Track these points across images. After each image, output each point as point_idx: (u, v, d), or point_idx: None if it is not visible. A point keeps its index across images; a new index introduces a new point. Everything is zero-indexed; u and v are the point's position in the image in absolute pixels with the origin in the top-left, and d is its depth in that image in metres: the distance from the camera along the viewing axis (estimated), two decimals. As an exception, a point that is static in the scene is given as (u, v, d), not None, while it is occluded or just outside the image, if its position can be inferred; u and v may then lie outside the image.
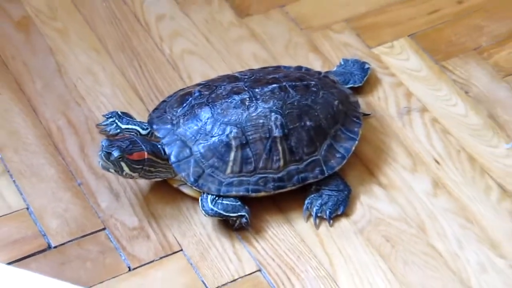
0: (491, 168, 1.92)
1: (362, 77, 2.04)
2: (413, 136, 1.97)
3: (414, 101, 2.03)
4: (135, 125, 1.84)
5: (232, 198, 1.78)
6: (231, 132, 1.79)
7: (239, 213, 1.77)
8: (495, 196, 1.88)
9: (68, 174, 1.88)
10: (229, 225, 1.80)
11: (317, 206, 1.82)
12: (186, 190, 1.82)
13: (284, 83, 1.86)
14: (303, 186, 1.84)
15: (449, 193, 1.88)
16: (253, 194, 1.80)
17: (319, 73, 1.97)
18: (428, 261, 1.77)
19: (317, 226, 1.82)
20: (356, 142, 1.89)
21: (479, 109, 2.02)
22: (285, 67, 1.98)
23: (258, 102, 1.81)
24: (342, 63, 2.07)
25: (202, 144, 1.79)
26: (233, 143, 1.78)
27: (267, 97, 1.82)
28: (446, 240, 1.80)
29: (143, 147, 1.73)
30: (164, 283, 1.73)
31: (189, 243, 1.79)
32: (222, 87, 1.86)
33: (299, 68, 1.97)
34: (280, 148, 1.80)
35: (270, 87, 1.84)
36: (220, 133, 1.79)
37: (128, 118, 1.88)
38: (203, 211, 1.77)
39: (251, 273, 1.75)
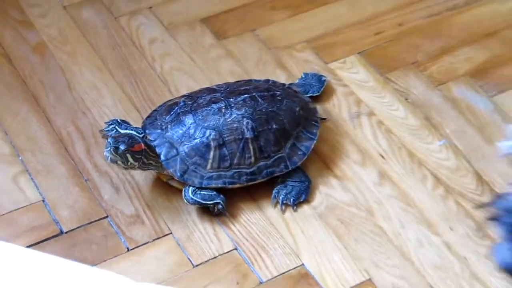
0: (426, 161, 1.93)
1: (319, 88, 2.04)
2: (362, 136, 1.97)
3: (363, 107, 2.04)
4: (131, 130, 1.84)
5: (209, 189, 1.78)
6: (210, 135, 1.79)
7: (214, 201, 1.77)
8: (430, 184, 1.88)
9: (76, 172, 1.88)
10: (210, 212, 1.80)
11: (283, 195, 1.83)
12: (173, 183, 1.82)
13: (254, 94, 1.86)
14: (271, 178, 1.85)
15: (393, 182, 1.88)
16: (229, 186, 1.80)
17: (284, 85, 1.97)
18: (375, 239, 1.77)
19: (283, 212, 1.82)
20: (315, 141, 1.89)
21: (416, 113, 2.02)
22: (255, 80, 1.98)
23: (233, 109, 1.82)
24: (303, 76, 2.07)
25: (187, 145, 1.79)
26: (212, 144, 1.79)
27: (240, 105, 1.83)
28: (390, 221, 1.80)
29: (139, 140, 1.74)
30: (157, 260, 1.73)
31: (177, 227, 1.79)
32: (203, 97, 1.86)
33: (267, 81, 1.97)
34: (251, 147, 1.80)
35: (242, 97, 1.84)
36: (201, 136, 1.79)
37: (126, 125, 1.89)
38: (185, 200, 1.78)
39: (228, 251, 1.75)
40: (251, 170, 1.81)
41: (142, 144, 1.75)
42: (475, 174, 1.91)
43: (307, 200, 1.85)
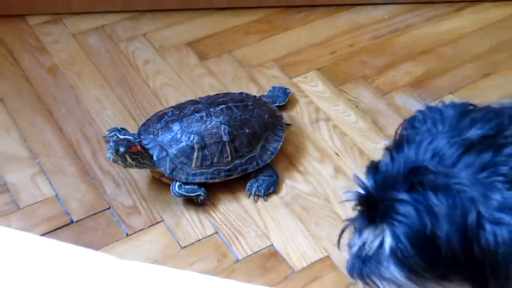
0: (374, 157, 1.90)
1: (285, 98, 2.05)
2: (320, 137, 1.98)
3: (321, 113, 2.05)
4: (129, 135, 1.85)
5: (192, 184, 1.79)
6: (194, 139, 1.80)
7: (196, 193, 1.79)
8: (377, 176, 1.89)
9: (84, 171, 1.89)
10: (194, 203, 1.81)
11: (255, 188, 1.84)
12: (164, 179, 1.83)
13: (230, 104, 1.87)
14: (245, 174, 1.85)
15: (346, 175, 1.89)
16: (211, 181, 1.81)
17: (255, 96, 1.98)
18: (332, 222, 1.79)
19: (255, 201, 1.84)
20: (281, 143, 1.90)
21: (365, 118, 2.03)
22: (231, 93, 1.98)
23: (212, 117, 1.83)
24: (271, 89, 2.08)
25: (175, 148, 1.80)
26: (196, 146, 1.80)
27: (218, 114, 1.84)
28: (344, 207, 1.81)
29: (136, 144, 1.74)
30: (151, 243, 1.75)
31: (168, 216, 1.80)
32: (188, 108, 1.87)
33: (241, 93, 1.98)
34: (228, 148, 1.81)
35: (220, 107, 1.85)
36: (186, 139, 1.80)
37: (124, 131, 1.90)
38: (172, 193, 1.79)
39: (210, 235, 1.76)
40: (228, 167, 1.82)
41: (138, 147, 1.76)
42: (414, 167, 1.91)
43: (275, 192, 1.86)
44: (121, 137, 1.83)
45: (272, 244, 1.75)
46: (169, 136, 1.81)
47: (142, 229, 1.77)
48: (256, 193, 1.84)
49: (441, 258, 1.07)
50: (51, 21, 2.30)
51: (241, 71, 2.17)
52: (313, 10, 2.39)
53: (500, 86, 2.13)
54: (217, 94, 1.98)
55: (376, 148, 1.96)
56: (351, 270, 1.23)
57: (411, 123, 1.22)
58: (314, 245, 1.74)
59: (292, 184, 1.88)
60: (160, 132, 1.83)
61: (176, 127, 1.82)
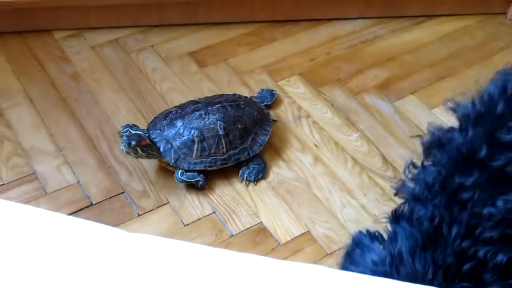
0: (347, 148, 1.94)
1: (271, 99, 2.06)
2: (302, 132, 1.99)
3: (302, 111, 2.05)
4: (140, 131, 1.84)
5: (192, 171, 1.79)
6: (194, 133, 1.80)
7: (196, 179, 1.79)
8: (350, 164, 1.90)
9: (102, 162, 1.89)
10: (195, 187, 1.81)
11: (247, 174, 1.85)
12: (170, 168, 1.83)
13: (224, 103, 1.87)
14: (238, 162, 1.86)
15: (323, 163, 1.90)
16: (209, 169, 1.82)
17: (246, 97, 1.98)
18: (311, 203, 1.79)
19: (247, 186, 1.84)
20: (268, 136, 1.91)
21: (340, 115, 2.04)
22: (226, 94, 1.99)
23: (210, 115, 1.83)
24: (260, 91, 2.08)
25: (178, 141, 1.81)
26: (196, 139, 1.80)
27: (214, 112, 1.84)
28: (322, 191, 1.82)
29: (145, 138, 1.75)
30: (159, 222, 1.75)
31: (173, 198, 1.80)
32: (189, 107, 1.87)
33: (234, 95, 1.98)
34: (223, 141, 1.82)
35: (216, 106, 1.86)
36: (188, 134, 1.81)
37: (136, 127, 1.89)
38: (176, 179, 1.80)
39: (209, 214, 1.77)
40: (223, 157, 1.83)
41: (148, 140, 1.76)
42: (381, 156, 1.93)
43: (263, 177, 1.87)
44: (133, 132, 1.83)
45: (261, 222, 1.75)
46: (173, 131, 1.82)
47: (151, 210, 1.78)
48: (248, 179, 1.84)
49: None
50: (73, 35, 2.30)
51: (235, 76, 2.17)
52: (296, 24, 2.39)
53: (454, 87, 2.15)
54: (213, 95, 1.98)
55: (349, 140, 1.97)
56: None
57: None
58: (297, 222, 1.75)
59: (278, 171, 1.88)
60: (165, 127, 1.83)
61: (179, 123, 1.82)
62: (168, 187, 1.82)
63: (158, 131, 1.83)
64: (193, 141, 1.80)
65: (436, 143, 1.26)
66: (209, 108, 1.85)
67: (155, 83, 2.15)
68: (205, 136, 1.81)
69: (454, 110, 1.28)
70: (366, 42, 2.34)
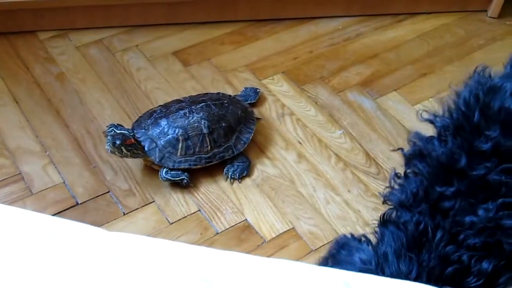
0: (330, 145, 1.94)
1: (255, 97, 2.05)
2: (285, 129, 1.98)
3: (286, 109, 2.05)
4: (125, 130, 1.84)
5: (176, 170, 1.79)
6: (178, 132, 1.80)
7: (180, 178, 1.78)
8: (333, 160, 1.90)
9: (87, 161, 1.88)
10: (180, 185, 1.80)
11: (231, 172, 1.84)
12: (155, 166, 1.82)
13: (208, 102, 1.87)
14: (223, 160, 1.85)
15: (307, 160, 1.90)
16: (194, 167, 1.81)
17: (230, 96, 1.98)
18: (296, 200, 1.79)
19: (231, 183, 1.84)
20: (252, 134, 1.90)
21: (323, 112, 2.04)
22: (210, 93, 1.98)
23: (194, 114, 1.82)
24: (244, 89, 2.08)
25: (163, 140, 1.80)
26: (180, 138, 1.79)
27: (199, 111, 1.83)
28: (306, 187, 1.82)
29: (130, 137, 1.74)
30: (144, 220, 1.74)
31: (158, 197, 1.79)
32: (173, 106, 1.87)
33: (218, 93, 1.97)
34: (207, 139, 1.81)
35: (200, 105, 1.85)
36: (172, 133, 1.80)
37: (121, 127, 1.89)
38: (160, 178, 1.78)
39: (194, 212, 1.76)
40: (208, 155, 1.82)
41: (132, 140, 1.75)
42: (364, 153, 1.93)
43: (248, 175, 1.86)
44: (118, 132, 1.82)
45: (246, 219, 1.75)
46: (158, 130, 1.81)
47: (137, 209, 1.77)
48: (232, 177, 1.83)
49: None
50: (58, 36, 2.28)
51: (218, 75, 2.16)
52: (278, 23, 2.38)
53: (434, 83, 2.15)
54: (198, 94, 1.97)
55: (332, 137, 1.97)
56: None
57: None
58: (281, 219, 1.74)
59: (262, 168, 1.87)
60: (150, 127, 1.82)
61: (163, 122, 1.81)
62: (153, 186, 1.81)
63: (143, 130, 1.82)
64: (177, 139, 1.79)
65: (417, 153, 1.26)
66: (193, 107, 1.84)
67: (140, 82, 2.14)
68: (190, 134, 1.80)
69: (432, 122, 1.29)
70: (348, 40, 2.34)
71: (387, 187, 1.33)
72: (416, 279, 1.10)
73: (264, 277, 0.87)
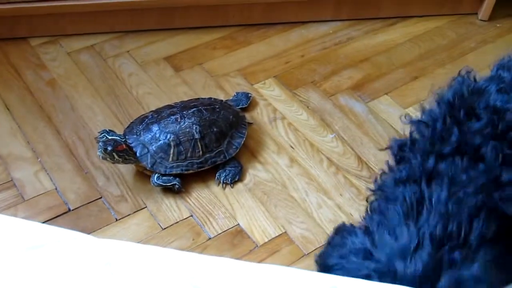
0: (322, 149, 1.94)
1: (247, 102, 2.04)
2: (277, 133, 1.98)
3: (278, 113, 2.04)
4: (116, 136, 1.83)
5: (168, 175, 1.78)
6: (170, 137, 1.79)
7: (172, 183, 1.78)
8: (325, 164, 1.90)
9: (79, 167, 1.87)
10: (172, 191, 1.79)
11: (223, 177, 1.83)
12: (147, 172, 1.82)
13: (200, 107, 1.86)
14: (215, 165, 1.85)
15: (299, 164, 1.89)
16: (185, 172, 1.81)
17: (221, 100, 1.98)
18: (288, 204, 1.79)
19: (223, 188, 1.83)
20: (244, 138, 1.90)
21: (315, 116, 2.04)
22: (201, 98, 1.98)
23: (185, 119, 1.82)
24: (235, 94, 2.07)
25: (154, 145, 1.79)
26: (172, 143, 1.79)
27: (190, 116, 1.83)
28: (298, 191, 1.82)
29: (122, 143, 1.73)
30: (137, 226, 1.73)
31: (150, 202, 1.79)
32: (165, 111, 1.86)
33: (209, 98, 1.97)
34: (199, 145, 1.81)
35: (192, 110, 1.85)
36: (164, 138, 1.79)
37: (112, 133, 1.88)
38: (152, 183, 1.78)
39: (186, 218, 1.76)
40: (200, 160, 1.81)
41: (124, 146, 1.75)
42: (356, 156, 1.93)
43: (240, 180, 1.86)
44: (109, 137, 1.81)
45: (238, 224, 1.74)
46: (150, 136, 1.80)
47: (129, 214, 1.76)
48: (224, 181, 1.83)
49: None
50: (49, 42, 2.28)
51: (210, 80, 2.16)
52: (270, 27, 2.38)
53: (426, 87, 2.11)
54: (189, 99, 1.97)
55: (324, 141, 1.96)
56: None
57: None
58: (274, 224, 1.74)
59: (254, 173, 1.87)
60: (142, 132, 1.81)
61: (155, 128, 1.81)
62: (146, 191, 1.81)
63: (135, 136, 1.82)
64: (169, 145, 1.79)
65: (408, 140, 1.26)
66: (184, 112, 1.84)
67: (131, 88, 2.13)
68: (181, 140, 1.79)
69: (415, 122, 1.28)
70: (339, 44, 2.34)
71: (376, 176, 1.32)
72: (417, 249, 1.06)
73: (254, 283, 0.86)
